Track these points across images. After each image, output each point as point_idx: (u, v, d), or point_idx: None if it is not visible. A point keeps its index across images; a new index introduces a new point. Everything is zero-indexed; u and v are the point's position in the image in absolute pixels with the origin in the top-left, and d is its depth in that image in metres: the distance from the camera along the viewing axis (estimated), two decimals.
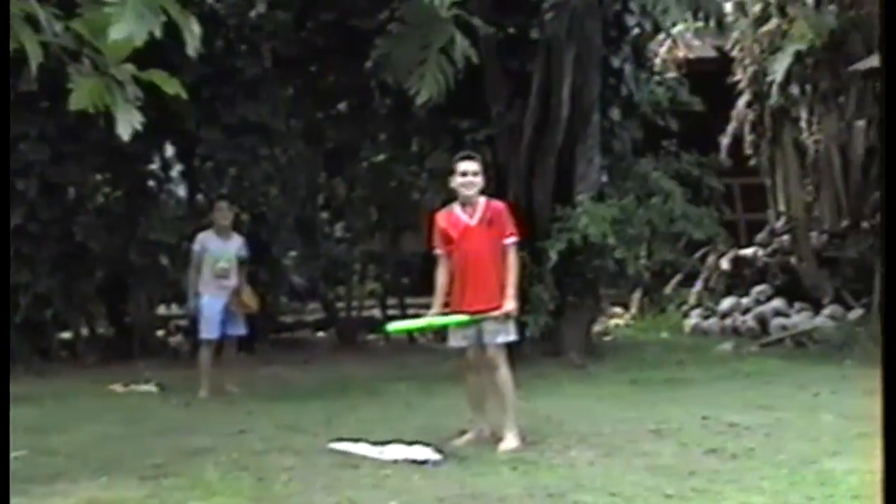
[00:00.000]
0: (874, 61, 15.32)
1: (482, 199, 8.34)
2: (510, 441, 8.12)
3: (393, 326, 8.93)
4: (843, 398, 10.04)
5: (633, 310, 17.46)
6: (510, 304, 8.18)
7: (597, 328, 15.11)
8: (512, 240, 8.30)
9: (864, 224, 16.31)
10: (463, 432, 8.44)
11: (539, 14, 13.56)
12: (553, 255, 12.98)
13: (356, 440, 8.22)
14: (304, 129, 16.31)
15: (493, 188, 9.82)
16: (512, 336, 8.29)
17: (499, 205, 8.42)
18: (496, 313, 8.14)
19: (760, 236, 17.47)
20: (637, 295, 17.42)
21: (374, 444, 8.05)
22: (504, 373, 8.28)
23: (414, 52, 11.35)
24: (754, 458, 7.62)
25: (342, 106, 16.70)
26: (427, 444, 7.98)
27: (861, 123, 16.31)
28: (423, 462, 7.57)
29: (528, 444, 8.11)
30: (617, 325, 16.91)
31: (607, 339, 15.69)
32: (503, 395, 8.29)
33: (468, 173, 8.29)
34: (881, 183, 1.56)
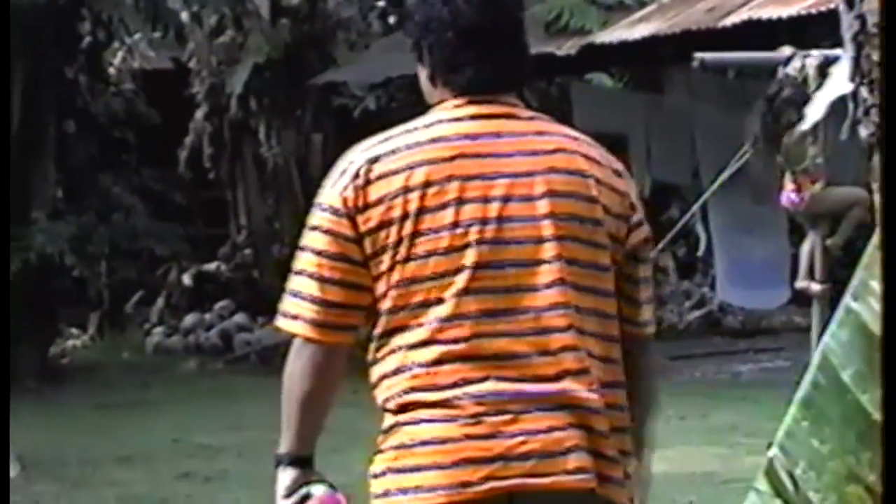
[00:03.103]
0: (329, 76, 15.67)
1: None
2: None
3: None
4: None
5: (93, 330, 16.87)
6: None
7: (54, 351, 14.50)
8: None
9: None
10: None
11: None
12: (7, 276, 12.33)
13: None
14: None
15: None
16: None
17: None
18: None
19: (223, 251, 17.36)
20: (97, 314, 16.86)
21: None
22: None
23: None
24: (228, 480, 7.48)
25: None
26: None
27: (318, 137, 16.57)
28: None
29: None
30: (76, 347, 16.27)
31: (66, 361, 15.07)
32: None
33: None
34: (881, 185, 1.38)
